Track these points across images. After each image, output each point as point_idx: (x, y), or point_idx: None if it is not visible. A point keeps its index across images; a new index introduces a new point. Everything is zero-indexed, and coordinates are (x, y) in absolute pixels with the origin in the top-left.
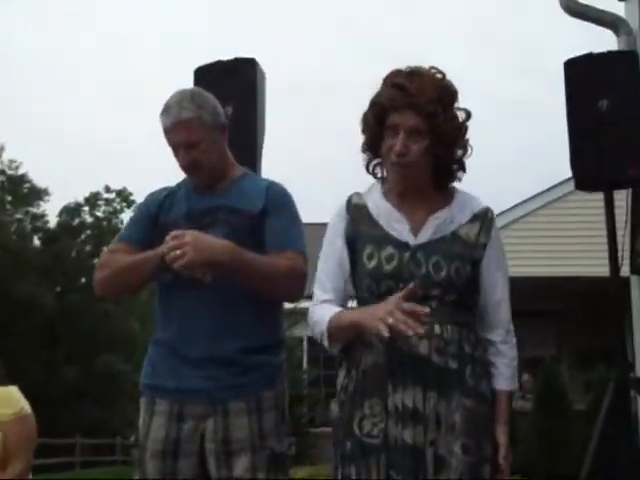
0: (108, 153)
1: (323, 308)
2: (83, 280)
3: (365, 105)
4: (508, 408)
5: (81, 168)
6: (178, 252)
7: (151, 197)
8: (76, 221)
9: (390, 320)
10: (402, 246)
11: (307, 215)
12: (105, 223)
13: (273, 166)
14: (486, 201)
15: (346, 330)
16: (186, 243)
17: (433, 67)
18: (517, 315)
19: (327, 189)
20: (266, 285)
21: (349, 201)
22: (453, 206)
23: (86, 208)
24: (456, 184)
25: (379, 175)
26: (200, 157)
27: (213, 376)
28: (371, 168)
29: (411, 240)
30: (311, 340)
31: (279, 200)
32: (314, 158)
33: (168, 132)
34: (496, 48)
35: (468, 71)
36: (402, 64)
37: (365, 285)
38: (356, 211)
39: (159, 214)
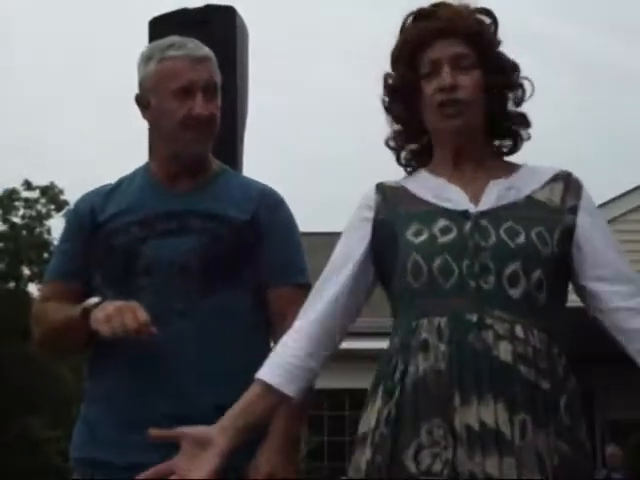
0: (30, 138)
1: (301, 334)
2: None
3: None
4: None
5: None
6: (131, 329)
7: (82, 203)
8: None
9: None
10: (460, 215)
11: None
12: (25, 232)
13: (260, 158)
14: None
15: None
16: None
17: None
18: (605, 360)
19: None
20: None
21: (380, 184)
22: (520, 174)
23: None
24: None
25: (414, 165)
26: (216, 112)
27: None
28: (406, 156)
29: (471, 207)
30: (333, 393)
31: (277, 214)
32: (311, 153)
33: (181, 69)
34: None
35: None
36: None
37: (411, 267)
38: (390, 192)
39: (97, 221)
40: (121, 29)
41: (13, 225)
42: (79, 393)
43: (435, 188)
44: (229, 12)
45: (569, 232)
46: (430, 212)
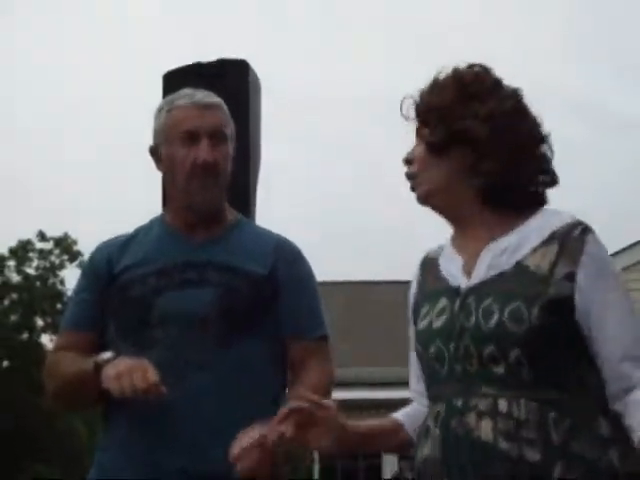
0: (42, 189)
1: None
2: (6, 363)
3: None
4: None
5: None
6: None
7: (98, 252)
8: None
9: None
10: (454, 293)
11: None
12: (39, 283)
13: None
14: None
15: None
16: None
17: (472, 63)
18: None
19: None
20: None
21: (425, 256)
22: (524, 228)
23: (11, 263)
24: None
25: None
26: (222, 161)
27: None
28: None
29: (463, 282)
30: None
31: (295, 267)
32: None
33: (187, 116)
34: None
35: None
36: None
37: (416, 355)
38: (428, 266)
39: (113, 272)
40: (136, 82)
41: (27, 276)
42: (91, 446)
43: (446, 259)
44: (242, 66)
45: (559, 302)
46: (437, 291)
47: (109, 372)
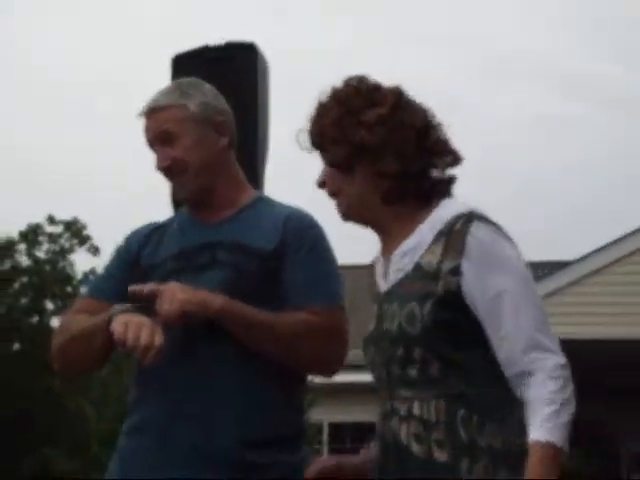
0: (53, 173)
1: None
2: (16, 346)
3: None
4: (538, 469)
5: (13, 192)
6: (165, 305)
7: (132, 235)
8: (6, 264)
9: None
10: (378, 298)
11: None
12: (48, 267)
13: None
14: (550, 250)
15: None
16: (170, 290)
17: (347, 78)
18: (630, 393)
19: None
20: (281, 349)
21: (372, 261)
22: (424, 226)
23: (22, 246)
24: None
25: None
26: (182, 156)
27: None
28: None
29: (383, 287)
30: (333, 427)
31: (301, 236)
32: None
33: (144, 127)
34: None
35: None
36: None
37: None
38: (373, 272)
39: (140, 256)
40: (144, 65)
41: (37, 260)
42: (99, 431)
43: (377, 265)
44: (250, 49)
45: (449, 296)
46: (373, 296)
47: (120, 318)
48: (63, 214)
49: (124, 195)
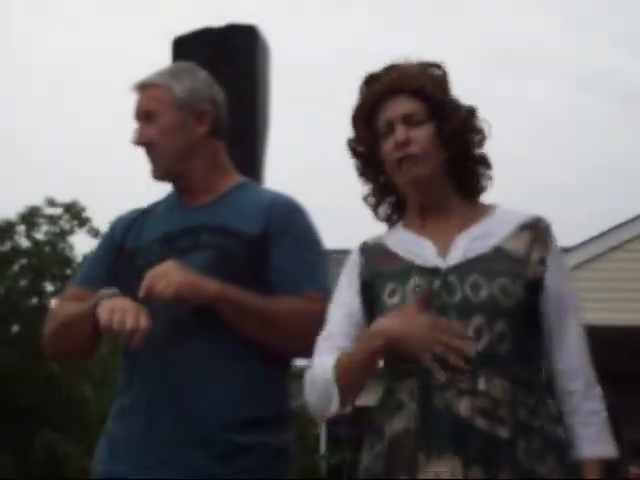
0: (52, 155)
1: (325, 358)
2: (16, 328)
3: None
4: None
5: (12, 174)
6: (160, 284)
7: (117, 221)
8: (6, 246)
9: (437, 348)
10: (430, 273)
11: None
12: (48, 249)
13: (284, 177)
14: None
15: (363, 361)
16: (166, 269)
17: (416, 58)
18: (633, 380)
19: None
20: (270, 334)
21: (363, 244)
22: (491, 219)
23: (21, 228)
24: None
25: (395, 219)
26: (155, 137)
27: (183, 462)
28: (381, 210)
29: (441, 263)
30: None
31: (286, 221)
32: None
33: (134, 101)
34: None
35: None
36: None
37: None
38: (371, 252)
39: (125, 240)
40: (145, 47)
41: (36, 242)
42: (101, 413)
43: (407, 243)
44: (251, 31)
45: (536, 283)
46: (404, 270)
47: (105, 304)
48: (62, 196)
49: (125, 177)
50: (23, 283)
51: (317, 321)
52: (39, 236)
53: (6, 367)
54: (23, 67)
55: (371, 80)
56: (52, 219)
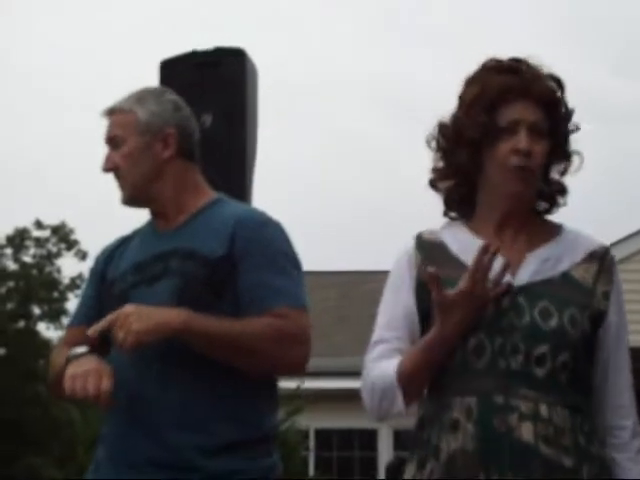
0: (41, 175)
1: (384, 362)
2: (2, 352)
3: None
4: None
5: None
6: (120, 334)
7: (101, 253)
8: None
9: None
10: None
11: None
12: (35, 271)
13: (273, 194)
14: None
15: (429, 355)
16: (125, 318)
17: (534, 59)
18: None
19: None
20: (245, 358)
21: (419, 238)
22: (560, 241)
23: (8, 251)
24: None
25: (457, 212)
26: (119, 162)
27: None
28: (451, 199)
29: (509, 281)
30: (320, 434)
31: (252, 237)
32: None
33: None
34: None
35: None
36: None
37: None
38: (430, 250)
39: (106, 271)
40: (132, 70)
41: (24, 264)
42: (87, 435)
43: (467, 249)
44: (239, 54)
45: (599, 316)
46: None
47: (69, 371)
48: (50, 218)
49: (112, 199)
50: (10, 306)
51: (292, 339)
52: (26, 258)
53: None
54: (17, 82)
55: (498, 68)
56: (39, 241)
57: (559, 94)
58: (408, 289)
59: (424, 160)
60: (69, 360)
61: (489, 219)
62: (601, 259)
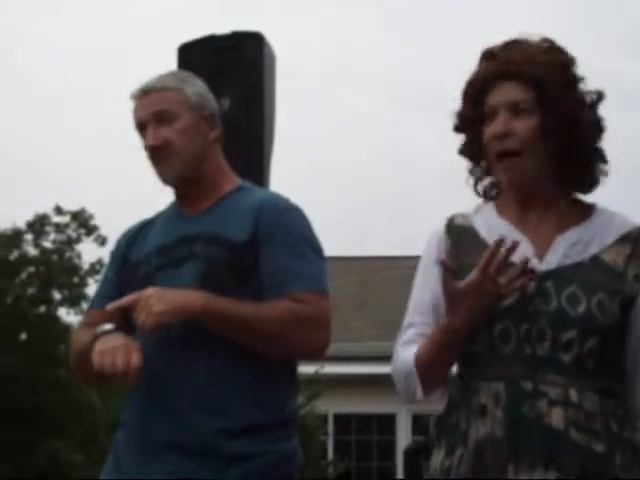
0: (60, 163)
1: (409, 348)
2: (23, 336)
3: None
4: None
5: (20, 181)
6: (141, 316)
7: (122, 236)
8: (14, 254)
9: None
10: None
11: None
12: (55, 257)
13: (290, 181)
14: None
15: (442, 345)
16: (146, 300)
17: (541, 36)
18: None
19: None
20: (264, 341)
21: (450, 222)
22: (592, 223)
23: (29, 236)
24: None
25: (492, 194)
26: (174, 138)
27: (182, 470)
28: (480, 185)
29: (536, 265)
30: (339, 419)
31: (275, 222)
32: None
33: (136, 107)
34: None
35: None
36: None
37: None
38: (460, 235)
39: (130, 253)
40: (150, 55)
41: (44, 250)
42: (107, 419)
43: (501, 234)
44: (256, 38)
45: (630, 300)
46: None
47: (97, 347)
48: (70, 204)
49: (132, 185)
50: (31, 291)
51: (311, 323)
52: (47, 244)
53: (12, 373)
54: (23, 66)
55: (488, 56)
56: (59, 227)
57: (550, 68)
58: (436, 274)
59: (443, 145)
60: (97, 337)
61: (512, 202)
62: (635, 241)
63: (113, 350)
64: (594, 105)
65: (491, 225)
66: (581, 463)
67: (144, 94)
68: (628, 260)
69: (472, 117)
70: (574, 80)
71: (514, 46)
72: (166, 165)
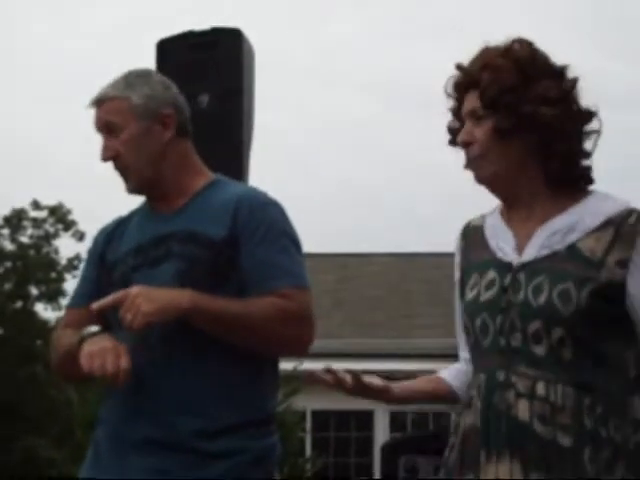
0: (38, 158)
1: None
2: (0, 332)
3: None
4: None
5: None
6: (128, 316)
7: (99, 234)
8: None
9: None
10: (504, 268)
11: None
12: (33, 252)
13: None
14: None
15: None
16: (133, 299)
17: (515, 39)
18: None
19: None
20: (251, 338)
21: (467, 224)
22: (578, 209)
23: (5, 231)
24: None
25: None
26: (121, 151)
27: (163, 467)
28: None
29: (515, 259)
30: (317, 415)
31: (254, 218)
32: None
33: (93, 116)
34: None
35: None
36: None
37: (463, 325)
38: (472, 235)
39: (106, 252)
40: (129, 51)
41: (21, 245)
42: (84, 416)
43: (496, 231)
44: (235, 34)
45: (610, 288)
46: (486, 262)
47: (85, 349)
48: (48, 198)
49: (111, 179)
50: (7, 286)
51: (298, 319)
52: (24, 239)
53: None
54: (19, 66)
55: (458, 69)
56: (37, 222)
57: (492, 68)
58: (458, 286)
59: (421, 142)
60: (84, 339)
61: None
62: (619, 225)
63: (102, 352)
64: (568, 95)
65: (493, 223)
66: (543, 454)
67: (95, 104)
68: (609, 246)
69: (457, 130)
70: (536, 76)
71: (477, 55)
72: (123, 177)
